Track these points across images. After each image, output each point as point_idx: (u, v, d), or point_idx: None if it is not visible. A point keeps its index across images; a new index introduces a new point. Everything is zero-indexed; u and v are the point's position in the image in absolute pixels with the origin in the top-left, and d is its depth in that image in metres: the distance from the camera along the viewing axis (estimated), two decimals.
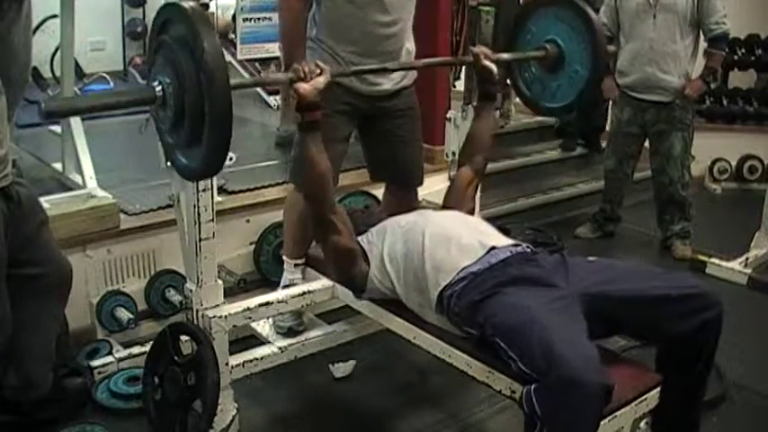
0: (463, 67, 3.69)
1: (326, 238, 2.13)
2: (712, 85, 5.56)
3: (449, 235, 2.06)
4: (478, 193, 3.04)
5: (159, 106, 1.75)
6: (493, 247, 2.02)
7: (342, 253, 2.14)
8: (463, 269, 1.97)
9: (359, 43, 2.45)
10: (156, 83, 1.73)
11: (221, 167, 1.81)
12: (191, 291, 2.30)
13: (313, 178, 2.05)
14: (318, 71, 1.93)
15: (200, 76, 1.63)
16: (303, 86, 1.90)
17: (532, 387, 1.65)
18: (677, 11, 3.73)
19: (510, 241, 2.10)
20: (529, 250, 2.07)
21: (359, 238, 2.20)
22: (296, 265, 2.67)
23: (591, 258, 2.10)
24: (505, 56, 2.41)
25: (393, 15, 2.46)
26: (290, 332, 2.60)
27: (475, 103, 2.55)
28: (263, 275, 3.29)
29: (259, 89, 5.59)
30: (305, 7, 2.40)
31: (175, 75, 1.69)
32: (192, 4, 1.71)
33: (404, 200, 2.72)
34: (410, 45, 2.60)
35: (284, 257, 2.72)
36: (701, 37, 3.85)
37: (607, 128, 4.41)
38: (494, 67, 2.31)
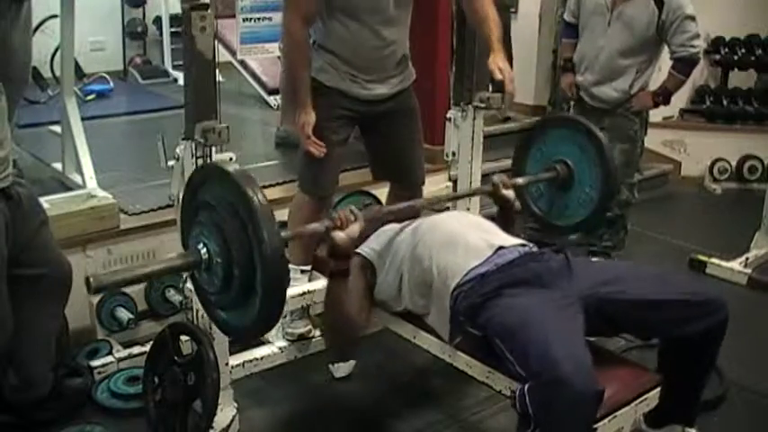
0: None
1: None
2: (712, 85, 5.59)
3: (455, 237, 2.06)
4: None
5: (204, 270, 1.72)
6: (501, 247, 2.02)
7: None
8: (471, 270, 1.97)
9: (355, 62, 2.47)
10: (200, 246, 1.70)
11: (273, 328, 1.79)
12: (191, 291, 2.29)
13: (342, 323, 2.06)
14: (353, 218, 1.94)
15: (251, 245, 1.60)
16: (340, 236, 1.91)
17: (525, 387, 1.67)
18: (633, 28, 3.43)
19: (517, 241, 2.10)
20: (536, 250, 2.07)
21: (362, 249, 2.19)
22: (302, 271, 2.66)
23: (594, 259, 2.10)
24: (520, 181, 2.46)
25: (388, 38, 2.47)
26: (300, 339, 2.60)
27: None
28: None
29: (259, 89, 5.59)
30: (306, 33, 2.39)
31: (223, 240, 1.65)
32: (236, 167, 1.70)
33: (408, 200, 2.71)
34: (406, 50, 2.60)
35: (290, 265, 2.71)
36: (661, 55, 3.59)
37: None
38: (512, 194, 2.34)
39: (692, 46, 3.43)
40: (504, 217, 2.38)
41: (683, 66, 3.51)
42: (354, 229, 1.93)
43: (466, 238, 2.05)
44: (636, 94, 3.55)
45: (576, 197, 2.47)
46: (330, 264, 1.96)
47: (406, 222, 2.25)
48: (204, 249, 1.69)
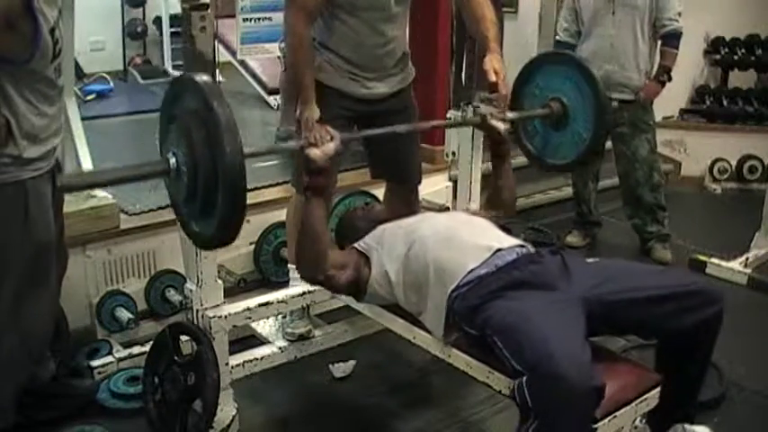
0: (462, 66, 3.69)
1: (324, 286, 2.18)
2: (712, 85, 5.59)
3: (452, 236, 2.06)
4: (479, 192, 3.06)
5: (173, 178, 1.75)
6: (499, 249, 2.02)
7: (343, 289, 2.16)
8: (470, 271, 1.96)
9: (356, 60, 2.46)
10: (169, 154, 1.73)
11: (236, 236, 1.79)
12: (191, 291, 2.30)
13: (310, 245, 2.03)
14: (329, 137, 1.94)
15: (213, 149, 1.63)
16: (314, 152, 1.91)
17: (524, 379, 1.68)
18: (637, 6, 3.67)
19: (515, 242, 2.09)
20: (533, 251, 2.06)
21: (359, 243, 2.19)
22: None
23: (590, 260, 2.11)
24: (511, 115, 2.39)
25: (389, 35, 2.46)
26: (300, 339, 2.60)
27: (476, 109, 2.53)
28: (263, 275, 3.29)
29: (259, 89, 5.60)
30: (309, 32, 2.39)
31: (189, 147, 1.68)
32: (204, 77, 1.71)
33: (405, 199, 2.72)
34: (405, 48, 2.60)
35: (290, 265, 2.71)
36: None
37: None
38: (501, 126, 2.29)
39: (677, 20, 3.69)
40: (496, 150, 2.35)
41: (674, 39, 3.73)
42: (330, 147, 1.92)
43: (463, 238, 2.05)
44: (650, 78, 3.77)
45: (570, 136, 2.45)
46: (305, 180, 1.97)
47: (404, 220, 2.25)
48: (173, 159, 1.72)
